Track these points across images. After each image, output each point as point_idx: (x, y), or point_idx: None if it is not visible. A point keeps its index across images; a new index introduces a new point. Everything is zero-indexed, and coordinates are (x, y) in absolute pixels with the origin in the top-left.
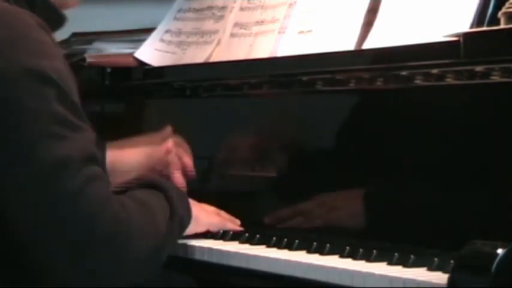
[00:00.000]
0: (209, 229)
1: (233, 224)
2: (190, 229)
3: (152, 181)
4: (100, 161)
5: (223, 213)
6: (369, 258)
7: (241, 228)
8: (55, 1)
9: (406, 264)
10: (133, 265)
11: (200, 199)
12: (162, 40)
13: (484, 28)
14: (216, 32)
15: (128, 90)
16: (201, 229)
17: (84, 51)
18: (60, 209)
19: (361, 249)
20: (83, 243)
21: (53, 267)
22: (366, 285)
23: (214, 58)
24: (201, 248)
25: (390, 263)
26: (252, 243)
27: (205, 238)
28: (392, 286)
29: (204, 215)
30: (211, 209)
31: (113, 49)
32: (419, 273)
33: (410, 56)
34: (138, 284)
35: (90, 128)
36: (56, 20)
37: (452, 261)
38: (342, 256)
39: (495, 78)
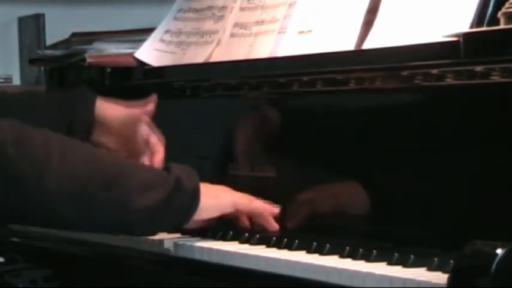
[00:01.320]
0: (237, 208)
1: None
2: (213, 208)
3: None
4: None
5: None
6: (368, 258)
7: (276, 210)
8: None
9: (406, 264)
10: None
11: None
12: (162, 40)
13: (484, 28)
14: (216, 32)
15: (128, 90)
16: (226, 207)
17: (84, 51)
18: None
19: (361, 249)
20: None
21: None
22: (365, 285)
23: (214, 58)
24: (201, 248)
25: (390, 263)
26: (251, 243)
27: (205, 238)
28: (392, 286)
29: (227, 194)
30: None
31: (113, 49)
32: (419, 273)
33: (410, 56)
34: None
35: None
36: None
37: (452, 261)
38: (341, 256)
39: (495, 78)
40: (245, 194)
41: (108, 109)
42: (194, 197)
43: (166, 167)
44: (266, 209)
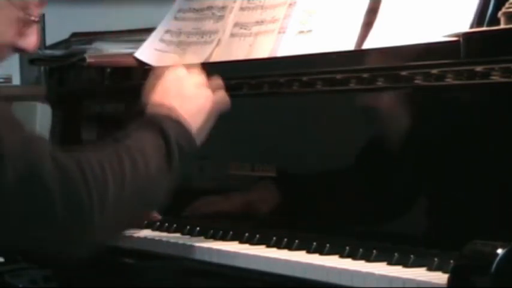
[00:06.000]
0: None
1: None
2: (206, 124)
3: (148, 117)
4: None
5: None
6: (368, 258)
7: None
8: None
9: (406, 264)
10: (99, 211)
11: (199, 199)
12: (162, 40)
13: (484, 28)
14: (216, 32)
15: (128, 90)
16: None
17: (84, 51)
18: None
19: (361, 249)
20: (36, 200)
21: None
22: (365, 285)
23: (214, 58)
24: (201, 248)
25: (390, 263)
26: (252, 243)
27: (205, 238)
28: (392, 286)
29: (205, 117)
30: (200, 95)
31: (113, 49)
32: (419, 273)
33: (410, 56)
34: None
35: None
36: None
37: (452, 261)
38: (341, 256)
39: (495, 78)
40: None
41: None
42: (192, 148)
43: (164, 131)
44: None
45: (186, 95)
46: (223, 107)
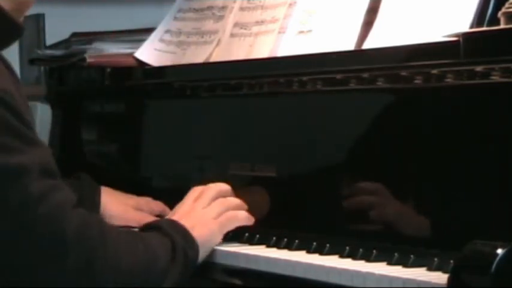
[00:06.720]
0: (227, 229)
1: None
2: (206, 251)
3: (149, 223)
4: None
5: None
6: (368, 258)
7: (249, 221)
8: (10, 7)
9: (406, 264)
10: (108, 275)
11: None
12: (162, 40)
13: (484, 28)
14: (216, 32)
15: (128, 90)
16: (218, 238)
17: (84, 51)
18: (21, 214)
19: (361, 249)
20: (51, 247)
21: (23, 269)
22: (365, 285)
23: (214, 58)
24: None
25: (390, 263)
26: (251, 243)
27: None
28: (392, 286)
29: (207, 231)
30: (207, 212)
31: (113, 49)
32: (419, 273)
33: (410, 56)
34: None
35: (46, 145)
36: (10, 31)
37: (452, 261)
38: (341, 256)
39: (495, 78)
40: (222, 217)
41: (114, 207)
42: (196, 258)
43: (169, 238)
44: (241, 208)
45: (193, 215)
46: (236, 224)
